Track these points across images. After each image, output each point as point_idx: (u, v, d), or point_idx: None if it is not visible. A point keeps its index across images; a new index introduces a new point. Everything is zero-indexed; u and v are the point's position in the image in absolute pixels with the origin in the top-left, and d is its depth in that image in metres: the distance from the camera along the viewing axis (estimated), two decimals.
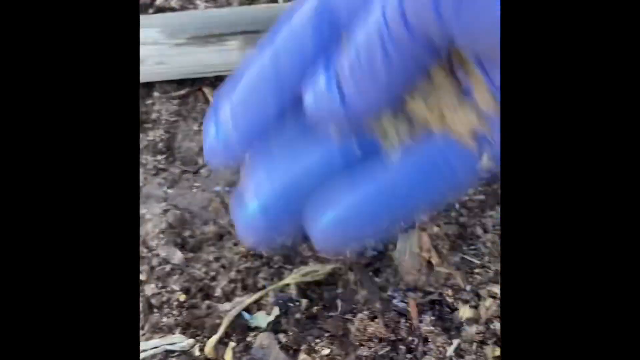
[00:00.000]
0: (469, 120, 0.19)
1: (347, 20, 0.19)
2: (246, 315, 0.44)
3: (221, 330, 0.42)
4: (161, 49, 0.51)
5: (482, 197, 0.48)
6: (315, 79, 0.19)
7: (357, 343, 0.42)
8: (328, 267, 0.46)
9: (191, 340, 0.43)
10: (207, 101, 0.55)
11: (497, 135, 0.20)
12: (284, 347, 0.43)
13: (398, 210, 0.21)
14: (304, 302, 0.45)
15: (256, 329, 0.44)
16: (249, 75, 0.22)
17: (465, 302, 0.44)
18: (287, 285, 0.45)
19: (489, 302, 0.43)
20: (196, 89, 0.56)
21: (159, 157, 0.52)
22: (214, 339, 0.42)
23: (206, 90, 0.56)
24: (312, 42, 0.20)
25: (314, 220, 0.21)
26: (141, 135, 0.53)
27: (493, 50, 0.17)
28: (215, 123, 0.22)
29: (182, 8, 0.60)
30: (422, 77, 0.19)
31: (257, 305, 0.45)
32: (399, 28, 0.17)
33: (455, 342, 0.42)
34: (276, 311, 0.44)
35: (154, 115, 0.54)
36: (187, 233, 0.49)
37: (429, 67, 0.19)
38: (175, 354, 0.43)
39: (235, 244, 0.48)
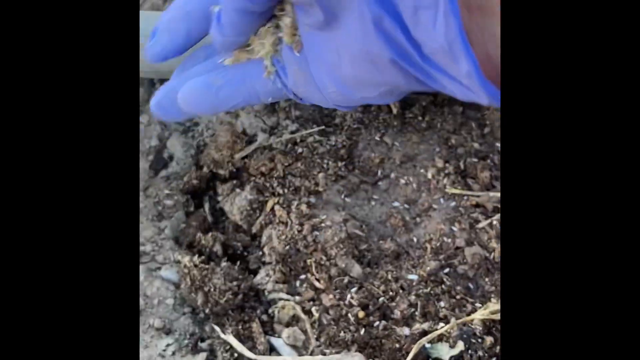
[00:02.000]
0: (270, 49, 0.35)
1: None
2: (426, 344, 0.42)
3: (408, 358, 0.40)
4: None
5: None
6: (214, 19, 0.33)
7: None
8: None
9: None
10: (390, 111, 0.54)
11: (288, 59, 0.34)
12: None
13: (216, 96, 0.36)
14: (489, 340, 0.42)
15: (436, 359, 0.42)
16: (171, 10, 0.36)
17: None
18: (472, 320, 0.43)
19: None
20: None
21: (340, 164, 0.50)
22: None
23: None
24: None
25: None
26: (322, 139, 0.52)
27: None
28: (153, 34, 0.37)
29: None
30: (260, 25, 0.33)
31: (438, 335, 0.42)
32: None
33: None
34: (461, 346, 0.41)
35: (337, 120, 0.53)
36: (364, 246, 0.47)
37: (268, 6, 0.32)
38: None
39: (414, 266, 0.46)
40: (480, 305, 0.44)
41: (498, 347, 0.42)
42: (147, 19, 0.44)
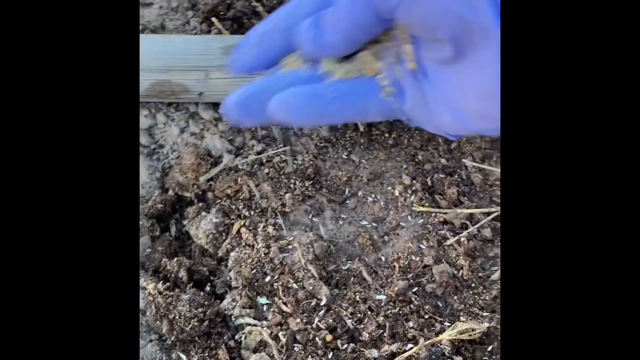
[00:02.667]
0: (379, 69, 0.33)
1: None
2: None
3: None
4: None
5: None
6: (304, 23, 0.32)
7: None
8: (484, 326, 0.43)
9: None
10: (357, 129, 0.53)
11: (408, 84, 0.32)
12: None
13: (324, 109, 0.33)
14: (457, 359, 0.42)
15: None
16: (266, 23, 0.35)
17: None
18: (440, 340, 0.42)
19: None
20: None
21: (307, 183, 0.50)
22: None
23: None
24: (311, 6, 0.33)
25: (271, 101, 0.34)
26: (289, 159, 0.51)
27: (422, 33, 0.29)
28: (242, 46, 0.36)
29: None
30: (371, 37, 0.31)
31: (407, 357, 0.42)
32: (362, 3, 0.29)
33: None
34: None
35: (303, 139, 0.52)
36: (332, 267, 0.47)
37: (377, 32, 0.30)
38: None
39: (382, 286, 0.46)
40: (449, 324, 0.44)
41: None
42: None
